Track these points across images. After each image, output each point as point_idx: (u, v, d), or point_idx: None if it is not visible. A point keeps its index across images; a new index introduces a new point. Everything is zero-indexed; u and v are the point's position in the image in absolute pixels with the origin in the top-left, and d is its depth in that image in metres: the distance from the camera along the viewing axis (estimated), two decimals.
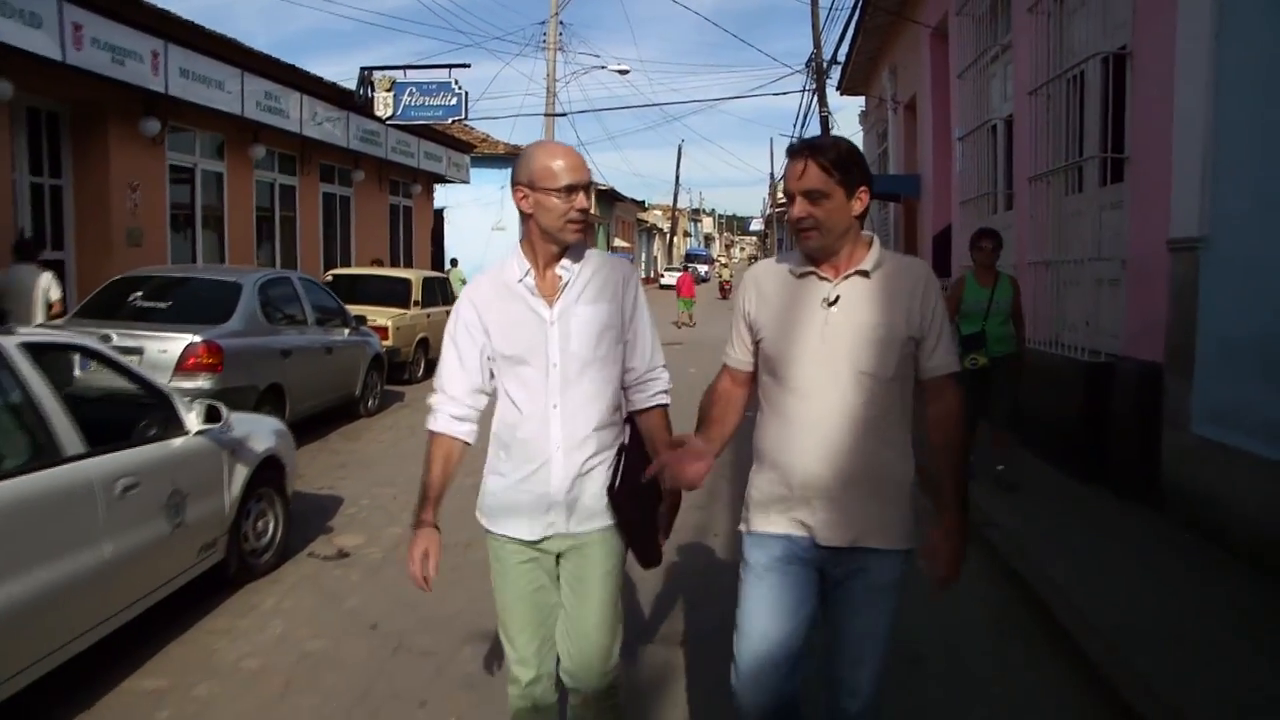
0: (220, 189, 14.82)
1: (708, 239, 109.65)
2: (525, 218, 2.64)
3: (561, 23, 29.30)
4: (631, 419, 2.78)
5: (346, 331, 10.40)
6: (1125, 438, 6.51)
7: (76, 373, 5.65)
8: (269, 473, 5.61)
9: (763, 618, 2.54)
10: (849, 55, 19.44)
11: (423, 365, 13.56)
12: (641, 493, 2.68)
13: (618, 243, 49.76)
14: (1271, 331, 5.03)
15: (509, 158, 29.75)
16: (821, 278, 2.49)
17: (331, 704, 3.97)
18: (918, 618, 4.38)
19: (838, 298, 2.46)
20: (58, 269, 10.79)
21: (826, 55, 22.65)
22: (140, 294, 8.48)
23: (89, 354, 4.67)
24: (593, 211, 2.77)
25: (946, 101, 12.79)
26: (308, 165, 17.19)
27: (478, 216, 30.34)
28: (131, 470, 4.27)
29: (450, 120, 18.40)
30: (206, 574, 5.00)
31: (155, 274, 9.41)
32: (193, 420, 4.87)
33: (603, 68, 29.97)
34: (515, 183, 2.62)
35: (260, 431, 5.68)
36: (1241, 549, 5.20)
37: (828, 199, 2.41)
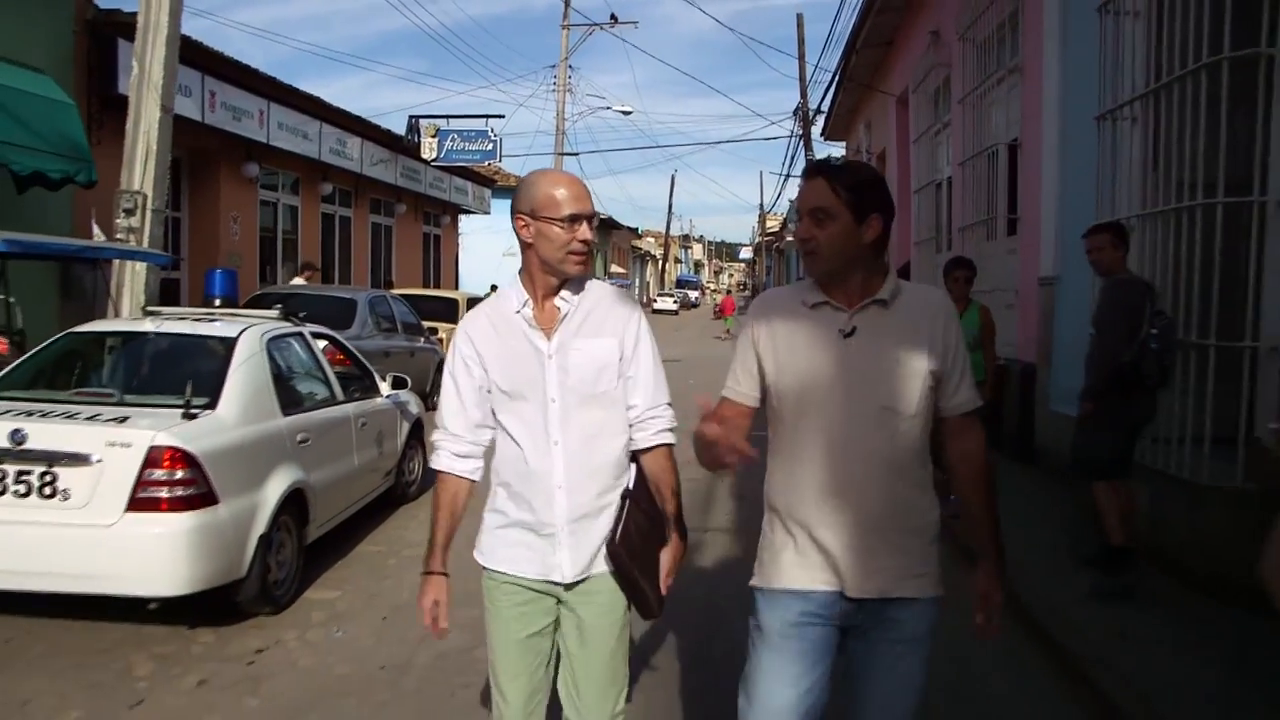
0: (295, 219, 17.48)
1: (698, 265, 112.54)
2: (525, 247, 2.54)
3: (570, 66, 32.14)
4: (636, 460, 2.63)
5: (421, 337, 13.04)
6: (1014, 416, 9.15)
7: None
8: (417, 429, 8.17)
9: (777, 689, 2.38)
10: (830, 108, 22.20)
11: None
12: (642, 543, 2.58)
13: (615, 269, 52.49)
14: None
15: None
16: (836, 307, 2.35)
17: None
18: None
19: (855, 329, 2.32)
20: (174, 287, 13.37)
21: (813, 102, 25.52)
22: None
23: (334, 341, 7.23)
24: (594, 242, 2.64)
25: (907, 158, 15.51)
26: (360, 199, 19.87)
27: (490, 243, 32.99)
28: (364, 413, 6.86)
29: (486, 162, 21.17)
30: (380, 496, 7.48)
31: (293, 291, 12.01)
32: (385, 387, 7.45)
33: (608, 108, 32.75)
34: (516, 211, 2.53)
35: (414, 401, 8.27)
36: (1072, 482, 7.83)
37: (833, 221, 2.29)
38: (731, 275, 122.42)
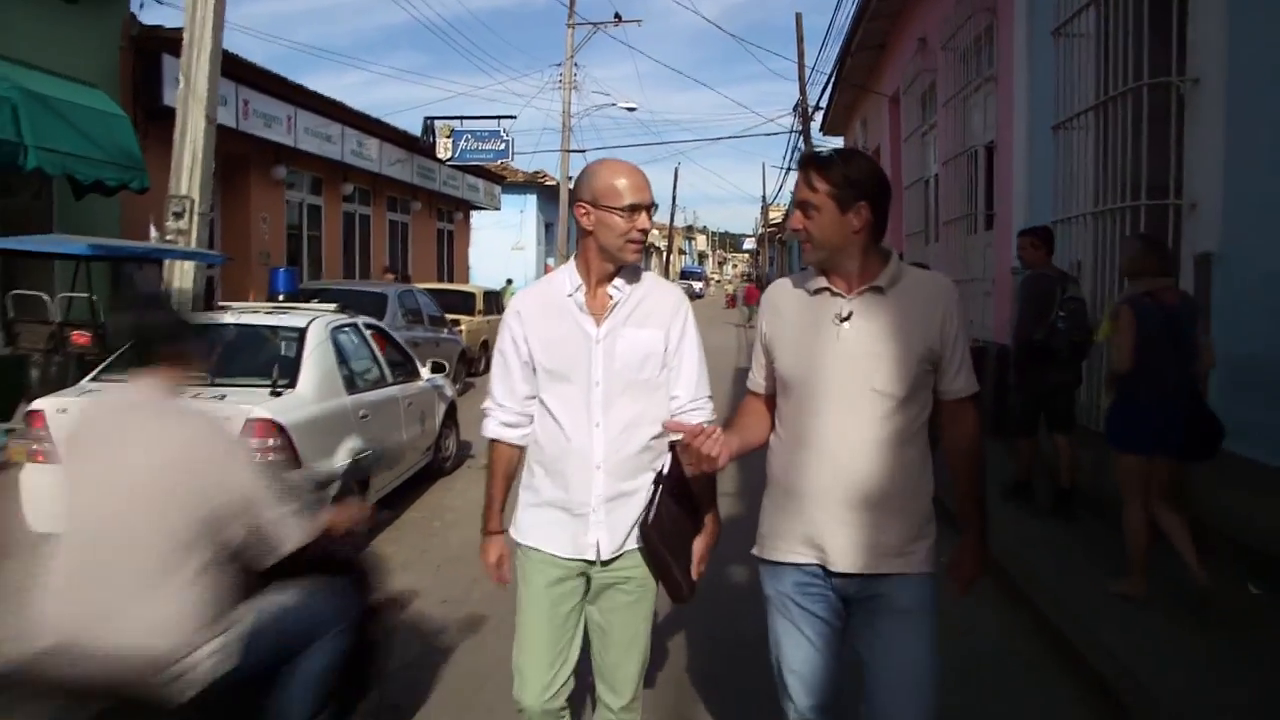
0: (319, 218, 18.41)
1: (701, 256, 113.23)
2: (584, 234, 2.63)
3: (576, 64, 32.96)
4: (673, 449, 2.67)
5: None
6: (990, 393, 10.04)
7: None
8: (452, 410, 9.08)
9: (798, 649, 2.51)
10: (829, 105, 23.04)
11: (482, 362, 17.06)
12: (674, 528, 2.65)
13: None
14: None
15: (527, 185, 33.44)
16: (835, 293, 2.44)
17: None
18: None
19: (850, 314, 2.40)
20: (209, 283, 14.27)
21: (813, 98, 26.36)
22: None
23: (380, 330, 8.15)
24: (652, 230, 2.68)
25: (899, 155, 16.39)
26: (378, 197, 20.78)
27: (498, 237, 33.85)
28: (410, 394, 7.78)
29: (499, 162, 22.10)
30: (421, 470, 8.38)
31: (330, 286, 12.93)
32: (425, 372, 8.37)
33: (613, 104, 33.54)
34: (578, 199, 2.62)
35: (448, 386, 9.18)
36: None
37: (818, 212, 2.39)
38: (735, 266, 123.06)
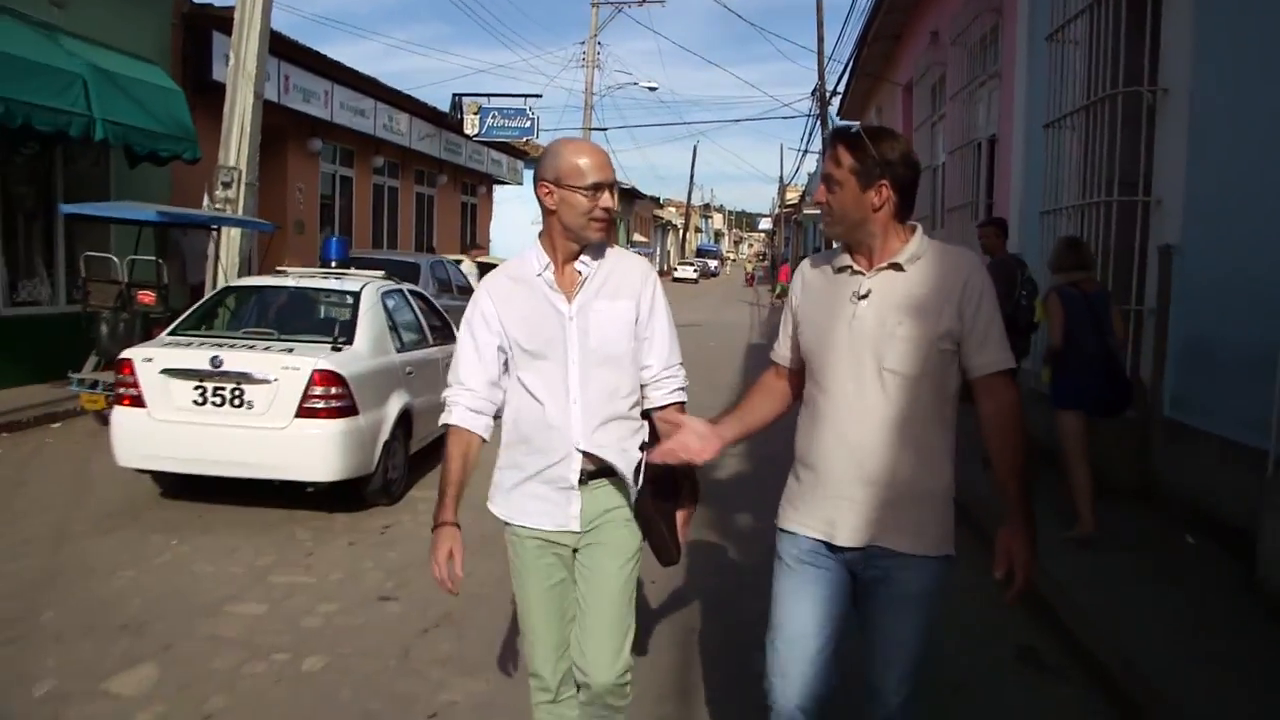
0: (350, 190, 19.15)
1: (718, 235, 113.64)
2: (548, 213, 2.63)
3: (599, 43, 33.54)
4: (649, 417, 2.78)
5: None
6: None
7: None
8: None
9: (795, 610, 2.52)
10: (846, 90, 23.62)
11: None
12: (662, 490, 2.72)
13: (637, 238, 53.95)
14: None
15: None
16: (856, 271, 2.46)
17: None
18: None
19: (869, 292, 2.41)
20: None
21: (830, 82, 26.92)
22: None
23: (421, 296, 8.87)
24: (616, 209, 2.72)
25: (910, 143, 17.01)
26: (406, 170, 21.51)
27: (519, 211, 34.46)
28: (447, 355, 8.33)
29: (524, 139, 22.79)
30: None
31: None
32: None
33: (635, 83, 34.16)
34: (540, 178, 2.62)
35: None
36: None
37: (840, 187, 2.41)
38: (751, 245, 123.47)
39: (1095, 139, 7.38)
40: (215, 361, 6.24)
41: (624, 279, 2.73)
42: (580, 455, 2.67)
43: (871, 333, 2.38)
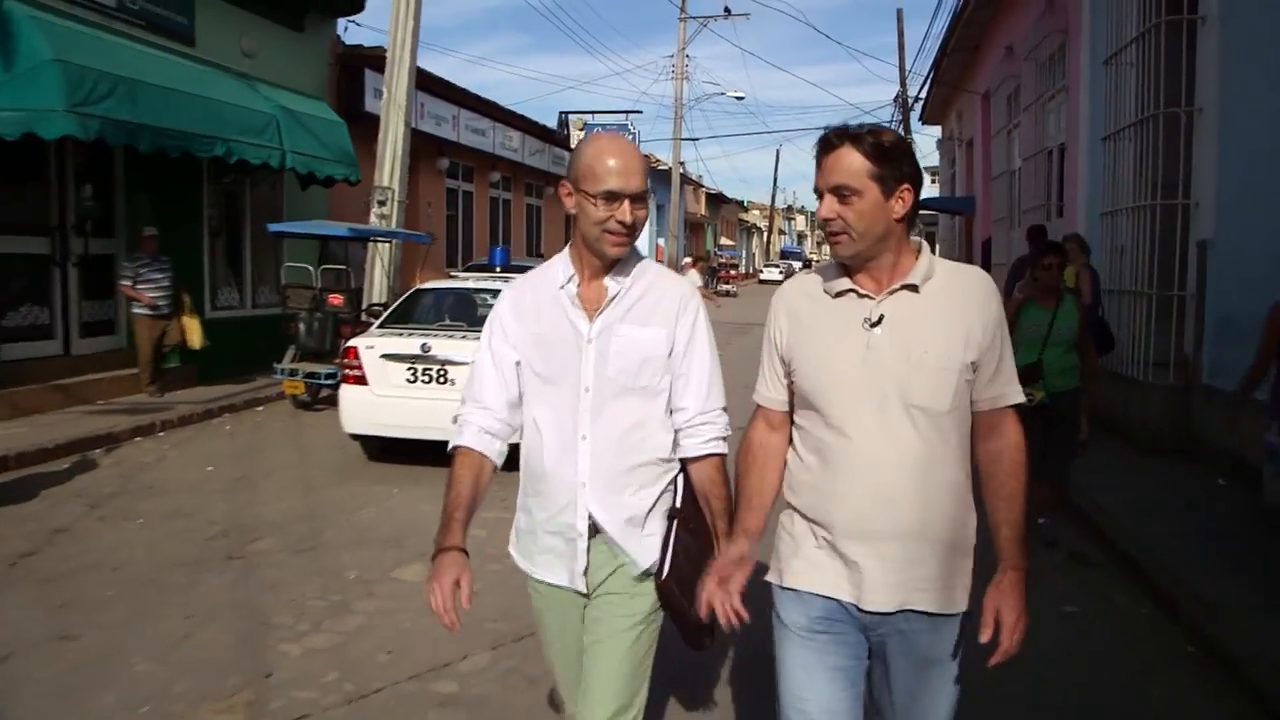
0: (471, 204, 21.04)
1: (800, 236, 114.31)
2: (573, 219, 2.31)
3: (688, 56, 35.07)
4: (685, 472, 2.38)
5: None
6: None
7: None
8: None
9: (815, 686, 2.19)
10: (927, 97, 24.79)
11: None
12: (692, 571, 2.32)
13: (724, 241, 55.33)
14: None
15: None
16: (862, 294, 2.13)
17: None
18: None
19: (881, 317, 2.10)
20: None
21: (912, 90, 28.06)
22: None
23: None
24: (640, 222, 2.27)
25: (989, 148, 18.19)
26: (518, 184, 23.38)
27: None
28: None
29: None
30: None
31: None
32: None
33: (722, 94, 35.65)
34: (564, 177, 2.29)
35: None
36: None
37: (859, 197, 2.05)
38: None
39: (1145, 151, 8.65)
40: (425, 348, 7.89)
41: (659, 303, 2.33)
42: (586, 502, 2.32)
43: (892, 364, 2.09)
